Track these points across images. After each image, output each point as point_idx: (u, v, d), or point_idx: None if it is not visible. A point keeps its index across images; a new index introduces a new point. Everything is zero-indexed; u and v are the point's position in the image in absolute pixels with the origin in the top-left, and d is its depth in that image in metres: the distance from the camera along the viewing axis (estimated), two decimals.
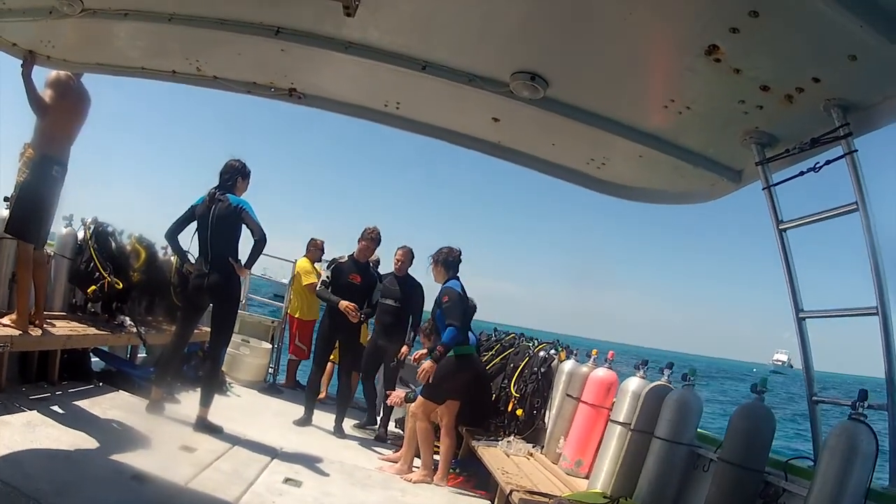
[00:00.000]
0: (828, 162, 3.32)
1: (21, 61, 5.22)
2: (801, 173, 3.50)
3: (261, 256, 5.99)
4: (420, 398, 6.11)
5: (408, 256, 7.67)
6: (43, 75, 5.45)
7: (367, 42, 3.84)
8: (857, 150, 3.12)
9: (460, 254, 6.64)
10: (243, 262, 5.86)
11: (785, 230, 3.63)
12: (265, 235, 5.79)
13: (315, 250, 9.07)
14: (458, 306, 6.12)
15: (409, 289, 7.61)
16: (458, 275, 6.71)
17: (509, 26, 3.36)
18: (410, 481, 5.84)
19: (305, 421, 7.28)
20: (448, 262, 6.47)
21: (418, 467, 6.25)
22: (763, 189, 3.71)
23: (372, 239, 7.47)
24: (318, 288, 7.57)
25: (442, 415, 6.20)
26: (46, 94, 5.36)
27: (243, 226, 5.82)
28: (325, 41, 3.93)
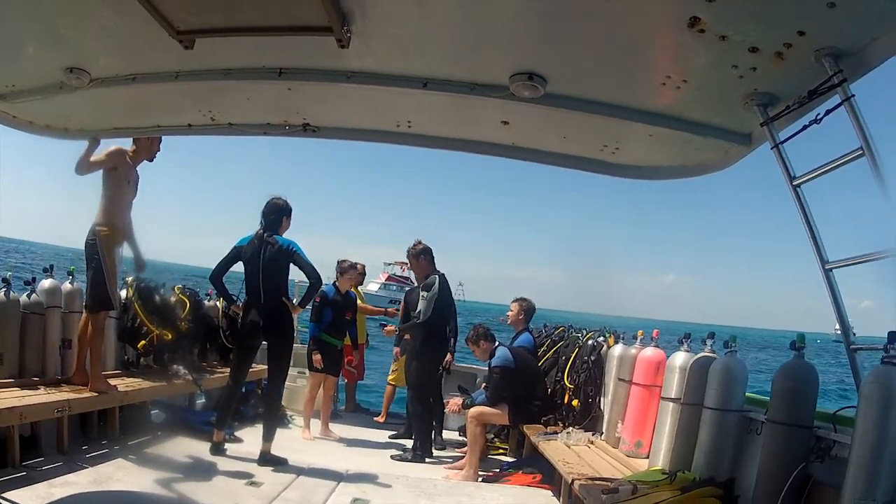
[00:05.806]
0: (828, 112, 3.31)
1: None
2: (805, 127, 3.50)
3: None
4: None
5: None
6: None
7: (367, 69, 3.95)
8: (853, 96, 3.12)
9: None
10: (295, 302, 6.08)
11: (799, 185, 3.62)
12: (320, 278, 6.12)
13: (357, 275, 8.98)
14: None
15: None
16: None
17: (499, 31, 3.43)
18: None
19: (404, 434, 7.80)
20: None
21: (484, 472, 6.39)
22: (771, 148, 3.71)
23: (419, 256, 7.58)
24: (401, 325, 8.03)
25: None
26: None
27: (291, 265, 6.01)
28: (327, 74, 4.04)
